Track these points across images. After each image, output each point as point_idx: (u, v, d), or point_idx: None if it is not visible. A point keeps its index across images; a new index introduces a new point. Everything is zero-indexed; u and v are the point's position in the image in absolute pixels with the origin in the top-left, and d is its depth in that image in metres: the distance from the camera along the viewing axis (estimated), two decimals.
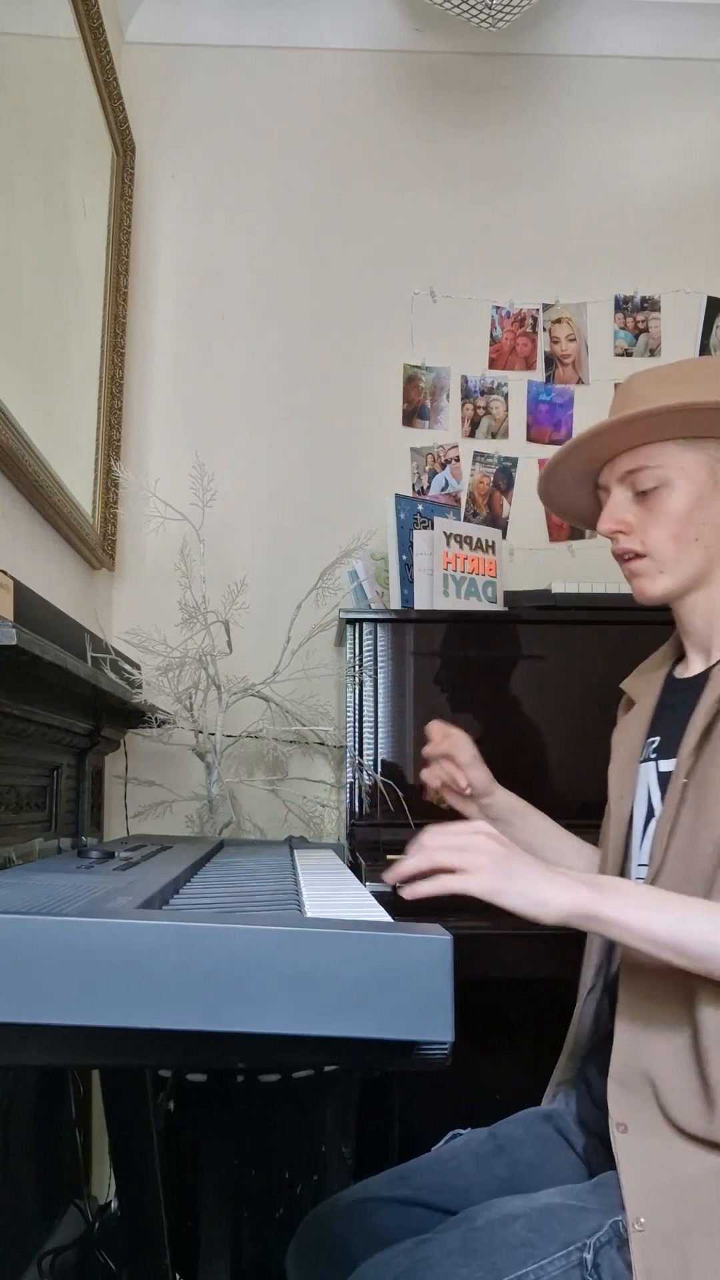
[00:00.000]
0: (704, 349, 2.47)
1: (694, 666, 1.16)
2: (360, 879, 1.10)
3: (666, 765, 1.11)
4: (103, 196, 2.24)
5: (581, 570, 2.31)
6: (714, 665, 1.11)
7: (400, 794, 1.86)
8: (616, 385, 1.22)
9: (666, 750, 1.12)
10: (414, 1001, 0.57)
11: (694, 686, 1.11)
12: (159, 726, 1.94)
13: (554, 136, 2.54)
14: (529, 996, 1.72)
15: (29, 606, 1.47)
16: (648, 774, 1.15)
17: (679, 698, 1.14)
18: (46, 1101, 1.66)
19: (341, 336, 2.46)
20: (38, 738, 1.40)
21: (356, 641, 1.95)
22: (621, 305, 2.50)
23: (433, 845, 0.91)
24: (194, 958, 0.56)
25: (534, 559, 2.38)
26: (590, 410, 2.45)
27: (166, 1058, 1.00)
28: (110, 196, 2.28)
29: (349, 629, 1.96)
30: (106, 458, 2.20)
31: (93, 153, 2.15)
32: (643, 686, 1.24)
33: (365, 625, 1.95)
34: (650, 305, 2.49)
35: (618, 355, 2.48)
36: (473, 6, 2.15)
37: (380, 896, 0.93)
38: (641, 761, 1.16)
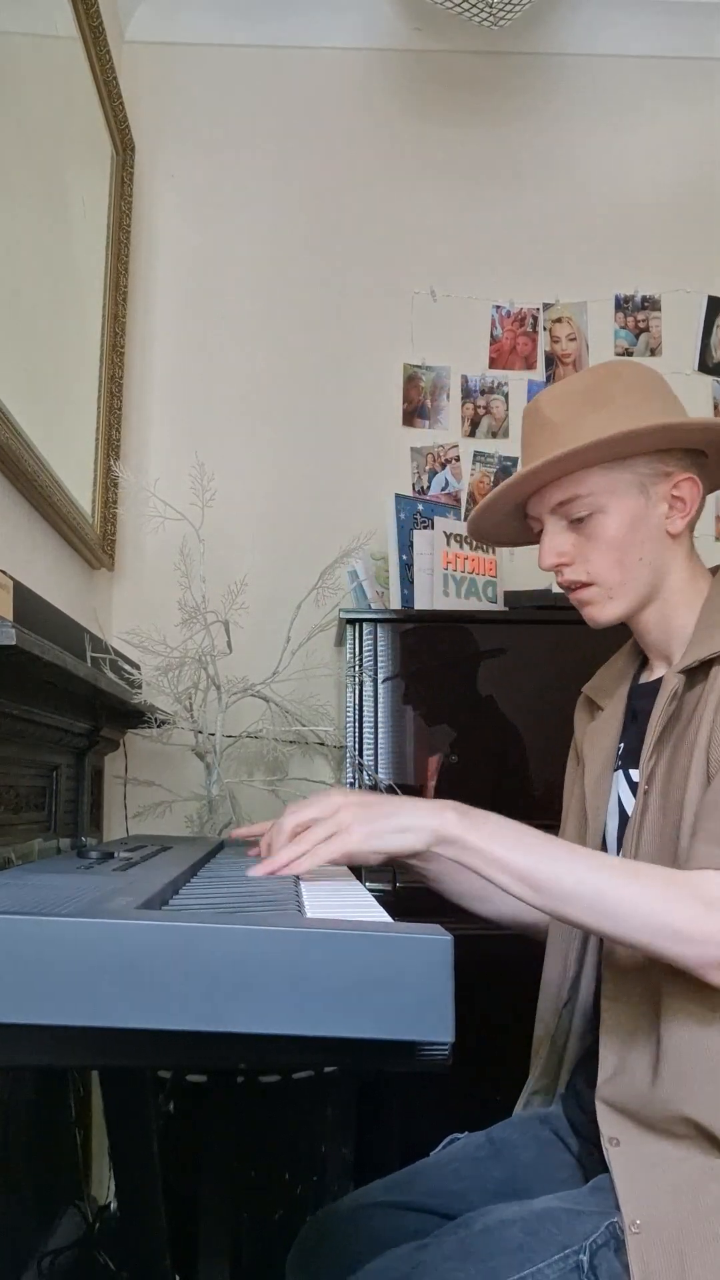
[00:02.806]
0: (704, 349, 2.47)
1: (657, 672, 1.16)
2: (360, 879, 1.10)
3: (635, 772, 1.11)
4: (102, 196, 2.23)
5: None
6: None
7: (401, 794, 1.86)
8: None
9: (633, 757, 1.13)
10: (414, 1002, 0.57)
11: (657, 691, 1.11)
12: (159, 727, 1.93)
13: (554, 135, 2.54)
14: (530, 997, 1.71)
15: (28, 606, 1.47)
16: (619, 782, 1.16)
17: (645, 703, 1.14)
18: (46, 1102, 1.66)
19: (341, 336, 2.46)
20: (37, 738, 1.40)
21: (356, 641, 1.94)
22: (622, 304, 2.50)
23: (296, 827, 0.94)
24: (194, 958, 0.56)
25: (534, 558, 2.37)
26: None
27: (166, 1058, 1.00)
28: (110, 196, 2.28)
29: (349, 629, 1.95)
30: (106, 457, 2.20)
31: (92, 152, 2.15)
32: (609, 691, 1.24)
33: (365, 625, 1.95)
34: (651, 305, 2.49)
35: (618, 355, 2.47)
36: (474, 5, 2.15)
37: (380, 897, 0.93)
38: (615, 770, 1.17)
